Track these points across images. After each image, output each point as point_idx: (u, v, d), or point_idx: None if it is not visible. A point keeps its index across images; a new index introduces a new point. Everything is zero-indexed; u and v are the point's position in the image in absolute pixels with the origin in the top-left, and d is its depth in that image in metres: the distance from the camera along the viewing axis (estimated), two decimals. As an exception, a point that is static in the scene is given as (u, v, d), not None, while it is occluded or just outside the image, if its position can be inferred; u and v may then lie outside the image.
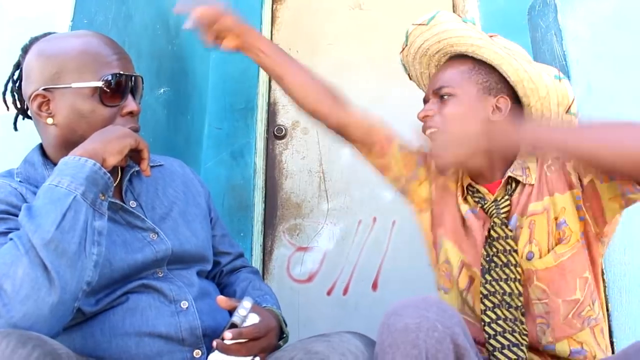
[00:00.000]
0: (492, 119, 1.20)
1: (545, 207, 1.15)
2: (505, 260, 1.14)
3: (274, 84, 2.66)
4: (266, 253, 2.40)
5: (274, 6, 2.78)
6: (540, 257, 1.13)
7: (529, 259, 1.14)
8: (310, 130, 2.55)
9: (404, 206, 2.36)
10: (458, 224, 1.25)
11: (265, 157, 2.52)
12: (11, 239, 0.82)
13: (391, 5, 2.70)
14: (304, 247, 2.39)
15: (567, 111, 1.18)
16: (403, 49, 1.37)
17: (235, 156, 2.38)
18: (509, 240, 1.15)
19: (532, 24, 1.63)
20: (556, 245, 1.12)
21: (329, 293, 2.33)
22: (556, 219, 1.14)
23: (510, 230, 1.16)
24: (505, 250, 1.14)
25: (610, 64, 1.39)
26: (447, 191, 1.30)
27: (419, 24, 1.27)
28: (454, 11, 2.69)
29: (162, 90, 1.96)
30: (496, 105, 1.21)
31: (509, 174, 1.19)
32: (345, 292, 2.32)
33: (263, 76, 2.56)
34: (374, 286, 2.32)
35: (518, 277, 1.12)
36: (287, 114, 2.60)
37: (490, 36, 1.23)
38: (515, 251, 1.14)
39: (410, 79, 1.46)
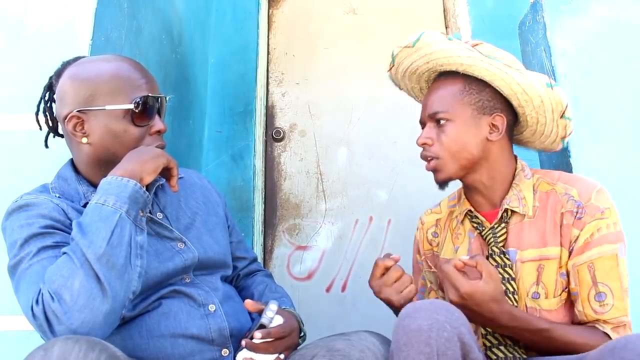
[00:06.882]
0: (490, 139, 1.23)
1: (557, 256, 1.17)
2: (504, 287, 1.17)
3: (271, 88, 2.73)
4: (267, 252, 2.49)
5: (270, 11, 2.85)
6: (547, 297, 1.17)
7: (534, 298, 1.17)
8: (308, 133, 2.63)
9: (399, 206, 2.49)
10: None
11: (264, 159, 2.60)
12: (64, 253, 0.91)
13: (384, 10, 2.79)
14: (303, 246, 2.48)
15: (562, 116, 1.22)
16: (390, 68, 1.38)
17: (235, 158, 2.44)
18: (508, 269, 1.19)
19: (522, 39, 1.73)
20: (562, 292, 1.16)
21: (328, 290, 2.43)
22: (560, 267, 1.17)
23: (509, 259, 1.19)
24: (503, 278, 1.18)
25: (596, 78, 1.48)
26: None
27: (405, 47, 1.29)
28: (444, 15, 2.79)
29: (167, 98, 2.02)
30: (492, 124, 1.24)
31: (505, 206, 1.23)
32: (343, 289, 2.42)
33: (261, 80, 2.63)
34: (371, 282, 2.42)
35: (515, 304, 1.17)
36: (285, 117, 2.67)
37: (475, 45, 1.23)
38: (514, 279, 1.18)
39: (401, 89, 1.47)
